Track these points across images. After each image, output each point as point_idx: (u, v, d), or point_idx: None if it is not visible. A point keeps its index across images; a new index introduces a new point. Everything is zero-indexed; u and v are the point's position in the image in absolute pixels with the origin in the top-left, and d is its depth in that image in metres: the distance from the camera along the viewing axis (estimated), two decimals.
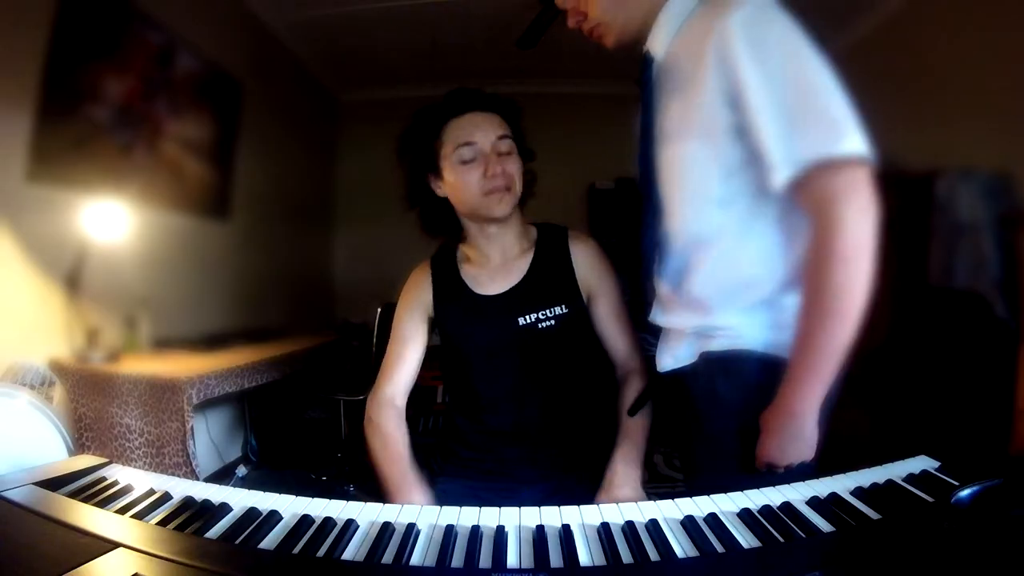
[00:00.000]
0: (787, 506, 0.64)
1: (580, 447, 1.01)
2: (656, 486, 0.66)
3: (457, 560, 0.55)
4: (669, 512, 0.63)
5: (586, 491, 0.92)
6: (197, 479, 1.33)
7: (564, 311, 0.97)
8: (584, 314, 1.00)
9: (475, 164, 0.93)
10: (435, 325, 1.05)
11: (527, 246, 1.04)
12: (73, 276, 1.87)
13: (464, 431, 1.02)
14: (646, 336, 0.98)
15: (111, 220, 1.93)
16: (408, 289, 1.07)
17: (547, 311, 0.97)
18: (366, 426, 0.98)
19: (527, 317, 0.97)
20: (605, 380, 1.02)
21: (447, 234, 1.03)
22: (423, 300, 1.04)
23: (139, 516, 0.63)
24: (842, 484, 0.68)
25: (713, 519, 0.61)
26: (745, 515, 0.62)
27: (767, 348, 0.75)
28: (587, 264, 1.01)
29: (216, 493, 0.69)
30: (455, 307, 1.02)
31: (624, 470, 0.89)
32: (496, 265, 1.02)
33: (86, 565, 0.50)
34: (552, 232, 1.05)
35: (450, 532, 0.59)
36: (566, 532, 0.59)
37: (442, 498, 0.91)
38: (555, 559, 0.55)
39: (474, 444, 1.01)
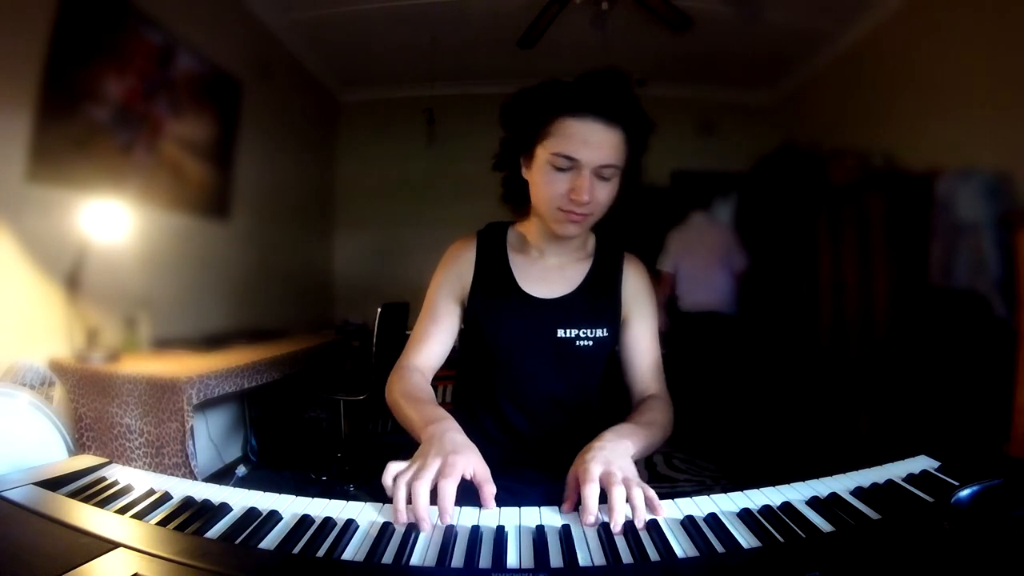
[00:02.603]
0: (787, 506, 0.64)
1: None
2: (656, 486, 0.65)
3: (457, 560, 0.55)
4: (669, 512, 0.63)
5: None
6: (196, 479, 1.33)
7: (604, 335, 0.94)
8: (618, 338, 0.97)
9: (566, 176, 0.84)
10: (465, 309, 0.97)
11: (584, 255, 0.99)
12: (73, 276, 1.87)
13: (471, 427, 0.98)
14: None
15: (111, 220, 1.93)
16: (447, 263, 0.98)
17: (588, 331, 0.93)
18: (387, 395, 0.90)
19: (567, 331, 0.93)
20: (624, 395, 1.00)
21: (521, 209, 0.97)
22: (461, 280, 0.97)
23: (139, 516, 0.62)
24: (842, 484, 0.69)
25: (713, 519, 0.61)
26: (745, 515, 0.62)
27: None
28: (635, 287, 0.99)
29: (216, 493, 0.69)
30: (494, 298, 0.95)
31: (611, 436, 0.76)
32: (550, 265, 0.98)
33: (86, 565, 0.50)
34: (610, 247, 1.01)
35: (450, 532, 0.59)
36: (566, 532, 0.59)
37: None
38: (555, 559, 0.55)
39: (479, 442, 0.98)
